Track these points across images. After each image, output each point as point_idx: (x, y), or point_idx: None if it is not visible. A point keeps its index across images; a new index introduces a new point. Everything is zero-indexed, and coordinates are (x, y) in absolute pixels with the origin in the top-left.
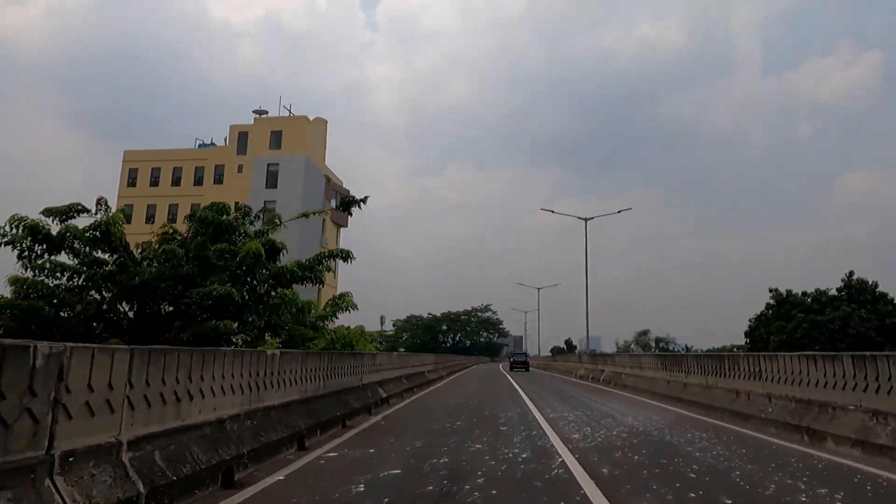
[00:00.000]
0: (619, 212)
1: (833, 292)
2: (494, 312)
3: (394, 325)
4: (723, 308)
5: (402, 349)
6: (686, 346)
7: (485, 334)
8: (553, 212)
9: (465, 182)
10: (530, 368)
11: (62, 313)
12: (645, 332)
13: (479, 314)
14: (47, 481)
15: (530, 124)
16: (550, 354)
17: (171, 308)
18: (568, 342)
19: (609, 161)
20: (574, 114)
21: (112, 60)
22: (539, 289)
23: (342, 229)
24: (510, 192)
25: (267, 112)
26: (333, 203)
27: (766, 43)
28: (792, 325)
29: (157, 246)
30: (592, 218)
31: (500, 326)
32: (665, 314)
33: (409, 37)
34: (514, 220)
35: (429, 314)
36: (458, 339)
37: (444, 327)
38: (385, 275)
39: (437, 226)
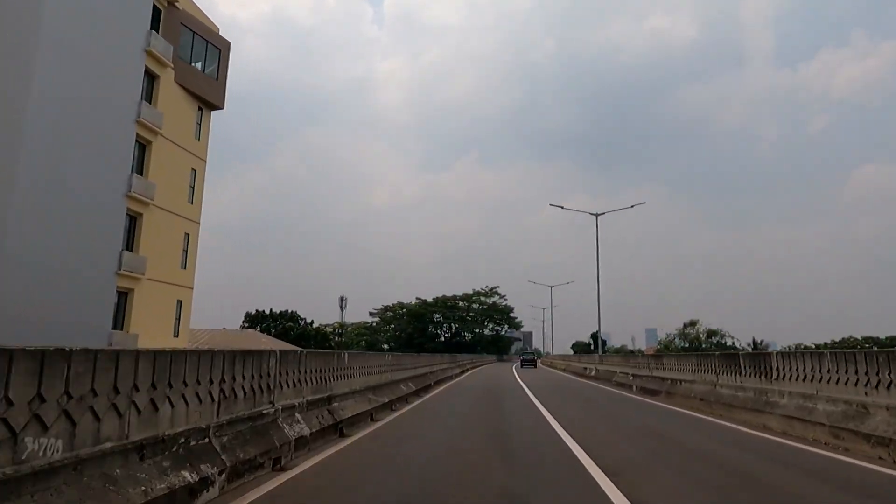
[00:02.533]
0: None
1: None
2: (503, 297)
3: (372, 316)
4: (730, 304)
5: (385, 346)
6: (755, 340)
7: (490, 325)
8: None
9: (472, 178)
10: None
11: None
12: (693, 323)
13: (483, 299)
14: None
15: (538, 118)
16: (573, 353)
17: None
18: (595, 334)
19: (618, 155)
20: (583, 107)
21: None
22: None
23: (214, 114)
24: (518, 187)
25: None
26: (199, 65)
27: (779, 34)
28: None
29: None
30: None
31: (511, 315)
32: (672, 311)
33: (417, 32)
34: (522, 215)
35: (417, 299)
36: (455, 330)
37: (438, 317)
38: (387, 272)
39: (443, 222)
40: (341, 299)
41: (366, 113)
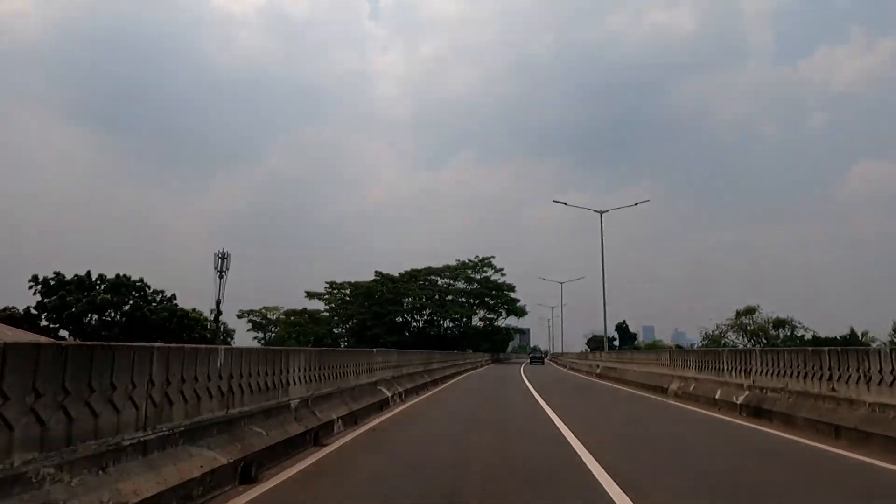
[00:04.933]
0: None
1: None
2: (501, 271)
3: (309, 297)
4: (729, 303)
5: (342, 336)
6: (853, 331)
7: (482, 312)
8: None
9: (468, 175)
10: None
11: None
12: (750, 311)
13: (471, 273)
14: None
15: (536, 114)
16: (588, 349)
17: None
18: (622, 327)
19: (615, 150)
20: (580, 103)
21: (109, 50)
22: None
23: None
24: (515, 184)
25: None
26: None
27: (778, 30)
28: None
29: None
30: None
31: (512, 296)
32: (669, 308)
33: (414, 26)
34: (520, 212)
35: (377, 274)
36: (429, 318)
37: (408, 301)
38: (379, 270)
39: (440, 219)
40: (219, 257)
41: (362, 109)
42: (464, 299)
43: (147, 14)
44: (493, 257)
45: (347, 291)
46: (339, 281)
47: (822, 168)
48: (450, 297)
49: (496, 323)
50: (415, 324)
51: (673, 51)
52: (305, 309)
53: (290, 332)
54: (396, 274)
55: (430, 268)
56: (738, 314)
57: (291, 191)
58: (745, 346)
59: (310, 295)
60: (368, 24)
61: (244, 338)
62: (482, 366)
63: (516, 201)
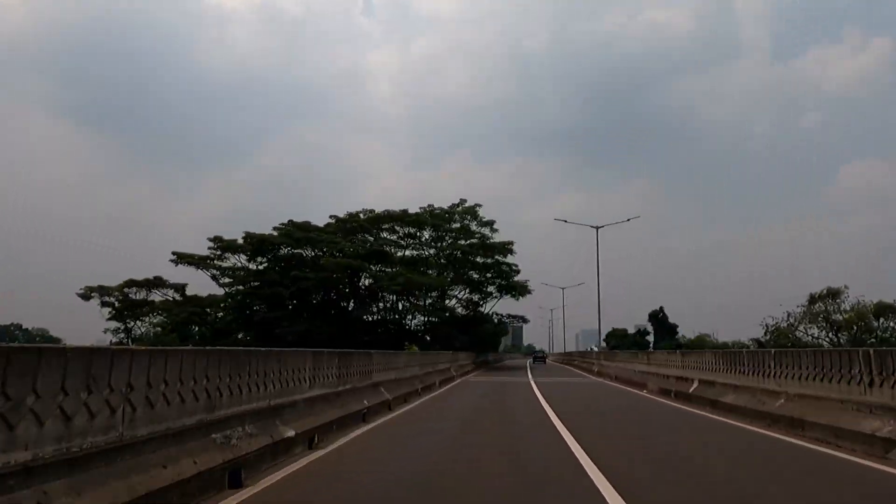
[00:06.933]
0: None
1: None
2: (491, 225)
3: (178, 263)
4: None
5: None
6: None
7: (465, 290)
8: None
9: (464, 174)
10: None
11: None
12: (834, 294)
13: (448, 225)
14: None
15: (532, 112)
16: (606, 347)
17: None
18: (657, 316)
19: (610, 149)
20: (577, 101)
21: (100, 46)
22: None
23: None
24: (513, 182)
25: None
26: None
27: (774, 29)
28: None
29: None
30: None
31: (512, 266)
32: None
33: (408, 23)
34: (518, 210)
35: (284, 224)
36: (371, 293)
37: (334, 261)
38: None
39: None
40: None
41: (357, 108)
42: (433, 271)
43: (140, 8)
44: (480, 205)
45: (244, 257)
46: (227, 237)
47: (816, 167)
48: (424, 270)
49: (481, 309)
50: (343, 303)
51: (670, 49)
52: (159, 278)
53: (177, 322)
54: (322, 225)
55: (376, 214)
56: (814, 299)
57: (283, 190)
58: (838, 342)
59: (179, 258)
60: (362, 20)
61: (93, 330)
62: (447, 382)
63: (514, 199)
